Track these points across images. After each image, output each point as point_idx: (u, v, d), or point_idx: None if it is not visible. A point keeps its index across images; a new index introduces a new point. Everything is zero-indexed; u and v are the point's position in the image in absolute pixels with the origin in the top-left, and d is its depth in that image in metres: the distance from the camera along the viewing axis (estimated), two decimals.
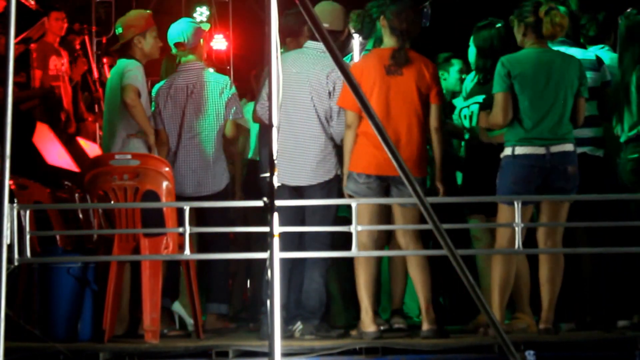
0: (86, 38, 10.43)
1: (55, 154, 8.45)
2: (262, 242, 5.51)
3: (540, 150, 5.93)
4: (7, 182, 3.52)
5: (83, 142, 9.26)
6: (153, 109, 6.86)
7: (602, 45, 6.69)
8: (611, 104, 6.33)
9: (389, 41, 6.21)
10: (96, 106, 9.97)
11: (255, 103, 6.72)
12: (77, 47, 10.00)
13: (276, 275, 3.60)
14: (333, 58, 3.76)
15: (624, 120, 6.20)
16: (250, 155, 7.61)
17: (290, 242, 6.18)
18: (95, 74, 10.33)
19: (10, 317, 5.74)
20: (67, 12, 9.87)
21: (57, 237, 6.55)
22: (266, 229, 3.63)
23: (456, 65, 7.61)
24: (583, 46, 6.61)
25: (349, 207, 5.81)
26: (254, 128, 7.33)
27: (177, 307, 6.81)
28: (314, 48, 6.41)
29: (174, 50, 6.94)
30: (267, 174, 3.68)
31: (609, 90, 6.39)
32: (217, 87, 6.81)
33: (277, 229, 3.64)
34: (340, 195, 6.25)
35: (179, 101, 6.81)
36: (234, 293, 7.65)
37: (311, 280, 6.29)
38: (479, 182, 6.31)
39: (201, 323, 6.33)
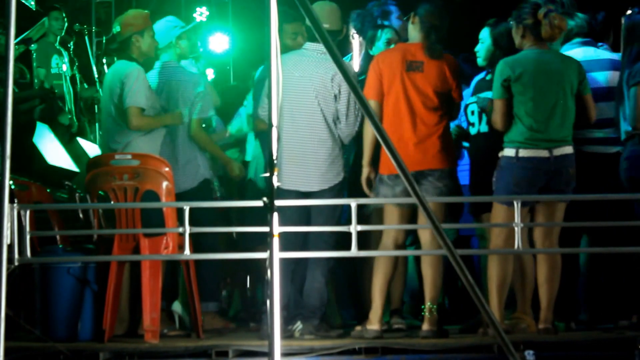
0: (86, 38, 10.45)
1: (55, 154, 8.46)
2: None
3: (544, 153, 5.94)
4: (7, 182, 3.52)
5: (83, 142, 9.27)
6: None
7: (600, 44, 6.69)
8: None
9: (416, 36, 6.24)
10: (96, 106, 9.98)
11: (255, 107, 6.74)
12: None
13: (276, 275, 3.60)
14: (333, 59, 3.77)
15: (620, 119, 6.21)
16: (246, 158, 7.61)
17: (295, 243, 6.20)
18: (96, 74, 10.35)
19: (11, 317, 5.75)
20: (67, 12, 9.89)
21: (57, 236, 6.56)
22: (266, 228, 3.63)
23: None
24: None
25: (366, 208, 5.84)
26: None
27: (177, 307, 6.81)
28: (314, 49, 6.42)
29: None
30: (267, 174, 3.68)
31: None
32: (184, 84, 6.81)
33: (277, 229, 3.64)
34: (348, 196, 6.27)
35: (157, 100, 6.82)
36: (233, 293, 7.66)
37: (313, 280, 6.30)
38: (485, 180, 6.30)
39: (201, 323, 6.33)
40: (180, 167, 6.73)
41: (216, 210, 6.71)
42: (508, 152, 6.00)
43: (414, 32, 6.28)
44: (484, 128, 6.47)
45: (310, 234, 6.32)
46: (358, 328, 6.24)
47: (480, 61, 6.64)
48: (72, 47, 10.28)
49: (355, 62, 7.01)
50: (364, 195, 6.26)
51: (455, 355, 5.71)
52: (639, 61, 6.13)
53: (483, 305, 3.87)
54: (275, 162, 3.67)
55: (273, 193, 3.64)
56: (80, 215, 6.89)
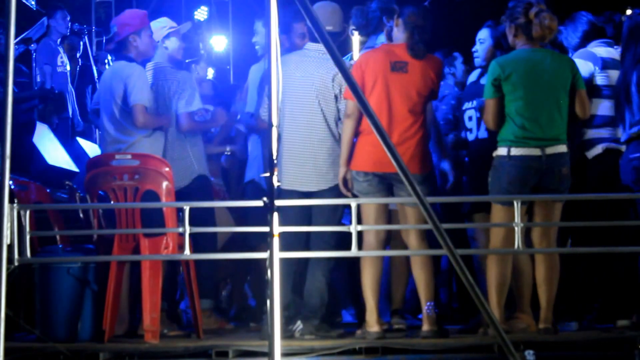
0: (86, 38, 10.45)
1: (55, 154, 8.45)
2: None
3: (536, 152, 5.94)
4: (7, 182, 3.52)
5: (83, 142, 9.27)
6: None
7: (604, 40, 6.67)
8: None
9: (401, 37, 6.24)
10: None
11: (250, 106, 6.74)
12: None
13: (276, 275, 3.60)
14: (334, 59, 3.77)
15: (625, 120, 6.20)
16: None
17: (297, 243, 6.21)
18: (96, 74, 10.34)
19: (10, 317, 5.75)
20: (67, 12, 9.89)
21: (57, 236, 6.56)
22: (266, 228, 3.63)
23: (459, 57, 7.59)
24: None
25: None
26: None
27: (184, 306, 6.81)
28: (316, 50, 6.42)
29: None
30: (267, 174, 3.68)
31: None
32: (168, 81, 6.80)
33: (277, 229, 3.64)
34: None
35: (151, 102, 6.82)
36: (234, 293, 7.66)
37: (313, 279, 6.29)
38: (484, 185, 6.29)
39: (201, 323, 6.33)
40: (180, 162, 6.72)
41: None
42: (500, 151, 6.01)
43: (398, 33, 6.27)
44: (482, 134, 6.48)
45: (312, 235, 6.31)
46: (359, 332, 6.23)
47: (479, 61, 6.65)
48: (81, 47, 10.29)
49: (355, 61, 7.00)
50: None
51: (456, 355, 5.72)
52: None
53: (483, 305, 3.87)
54: (275, 162, 3.67)
55: (273, 193, 3.64)
56: (81, 215, 6.89)
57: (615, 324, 6.26)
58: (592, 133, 6.43)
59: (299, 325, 6.26)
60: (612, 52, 6.49)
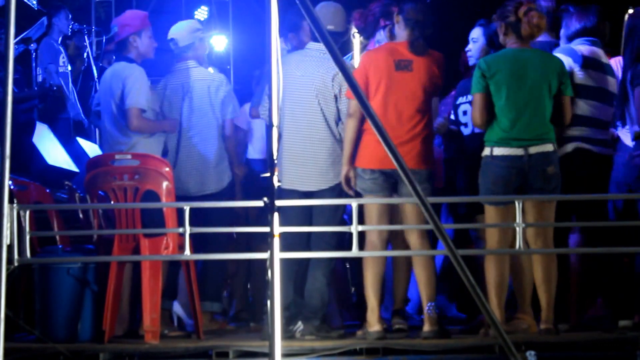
0: (85, 38, 10.43)
1: (55, 154, 8.44)
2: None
3: (519, 152, 5.93)
4: (7, 182, 3.52)
5: (83, 142, 9.25)
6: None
7: (588, 39, 6.63)
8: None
9: (402, 34, 6.23)
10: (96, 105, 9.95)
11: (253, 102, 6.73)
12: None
13: (276, 276, 3.59)
14: (334, 59, 3.76)
15: (625, 118, 6.19)
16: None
17: (299, 243, 6.20)
18: (95, 74, 10.33)
19: (10, 317, 5.74)
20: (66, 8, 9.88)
21: (57, 237, 6.55)
22: (266, 229, 3.62)
23: None
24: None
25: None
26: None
27: (176, 307, 6.80)
28: (317, 49, 6.41)
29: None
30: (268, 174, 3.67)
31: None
32: (213, 85, 6.81)
33: (277, 229, 3.63)
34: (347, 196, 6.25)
35: (175, 102, 6.82)
36: (234, 293, 7.64)
37: (314, 280, 6.29)
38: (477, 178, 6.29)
39: (202, 323, 6.32)
40: (211, 169, 6.73)
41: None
42: (486, 151, 6.02)
43: (399, 31, 6.28)
44: (478, 129, 6.47)
45: (312, 235, 6.31)
46: (359, 332, 6.22)
47: (473, 60, 6.65)
48: (87, 47, 10.28)
49: (355, 61, 7.00)
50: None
51: (457, 356, 5.71)
52: None
53: (484, 306, 3.86)
54: (275, 162, 3.67)
55: (273, 193, 3.63)
56: (80, 216, 6.88)
57: (617, 324, 6.25)
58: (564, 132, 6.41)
59: (299, 325, 6.26)
60: (596, 52, 6.46)
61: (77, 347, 5.84)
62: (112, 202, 6.17)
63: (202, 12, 12.73)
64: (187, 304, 6.54)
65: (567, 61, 6.29)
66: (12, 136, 3.50)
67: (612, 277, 6.39)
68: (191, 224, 5.74)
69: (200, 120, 6.78)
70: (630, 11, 6.39)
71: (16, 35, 6.38)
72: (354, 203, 5.76)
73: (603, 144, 6.32)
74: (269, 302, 3.59)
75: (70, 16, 9.75)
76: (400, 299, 6.53)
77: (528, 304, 6.20)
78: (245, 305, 7.53)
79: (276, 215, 3.63)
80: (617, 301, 6.34)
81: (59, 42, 9.70)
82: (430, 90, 6.19)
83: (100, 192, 6.25)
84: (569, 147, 6.29)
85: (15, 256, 5.64)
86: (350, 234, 5.75)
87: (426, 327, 6.06)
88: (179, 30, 6.95)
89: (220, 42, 12.55)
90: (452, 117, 6.82)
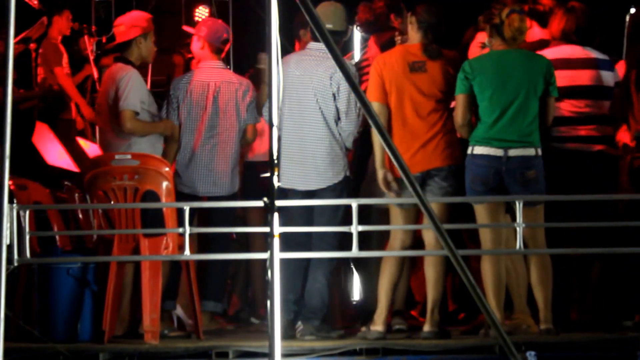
0: (86, 38, 10.42)
1: (55, 154, 8.44)
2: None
3: (498, 152, 5.94)
4: (7, 182, 3.51)
5: (83, 142, 9.25)
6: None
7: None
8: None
9: (415, 36, 6.24)
10: (96, 106, 9.93)
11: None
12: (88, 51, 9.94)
13: (276, 276, 3.58)
14: (334, 58, 3.76)
15: (627, 119, 6.18)
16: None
17: (301, 244, 6.21)
18: (95, 74, 10.31)
19: (10, 317, 5.74)
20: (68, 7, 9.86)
21: (57, 237, 6.54)
22: (266, 229, 3.62)
23: None
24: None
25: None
26: None
27: (178, 310, 6.80)
28: (317, 49, 6.41)
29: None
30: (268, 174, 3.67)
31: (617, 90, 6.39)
32: (240, 88, 6.80)
33: (277, 229, 3.63)
34: (350, 196, 6.25)
35: (200, 98, 6.77)
36: (234, 293, 7.64)
37: (314, 280, 6.29)
38: None
39: (201, 324, 6.32)
40: (228, 171, 6.72)
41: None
42: (468, 150, 6.04)
43: (412, 32, 6.28)
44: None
45: (313, 235, 6.30)
46: (363, 329, 6.23)
47: None
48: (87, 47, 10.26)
49: (356, 56, 7.01)
50: (365, 195, 6.25)
51: (457, 357, 5.71)
52: None
53: (484, 306, 3.86)
54: (275, 162, 3.66)
55: (274, 193, 3.63)
56: (80, 216, 6.87)
57: (618, 324, 6.24)
58: None
59: (299, 325, 6.25)
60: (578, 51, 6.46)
61: (77, 347, 5.84)
62: (112, 202, 6.16)
63: (202, 12, 12.70)
64: (187, 304, 6.54)
65: None
66: (12, 136, 3.49)
67: (613, 277, 6.40)
68: (197, 225, 5.75)
69: (225, 121, 6.74)
70: (632, 10, 6.38)
71: (15, 35, 6.38)
72: (354, 203, 5.76)
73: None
74: (268, 302, 3.58)
75: (70, 17, 9.73)
76: (400, 300, 6.54)
77: (525, 302, 6.20)
78: (245, 305, 7.53)
79: (276, 215, 3.62)
80: (617, 301, 6.35)
81: (59, 42, 9.69)
82: (446, 89, 6.18)
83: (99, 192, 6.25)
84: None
85: (15, 256, 5.64)
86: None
87: (426, 328, 6.06)
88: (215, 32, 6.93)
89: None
90: None
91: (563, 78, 6.23)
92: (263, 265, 5.38)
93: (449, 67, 6.19)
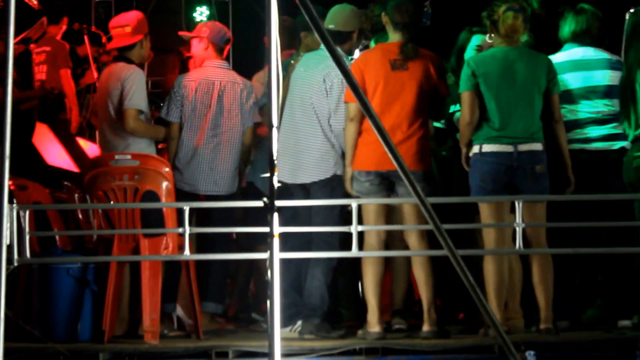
0: (85, 38, 10.42)
1: (55, 154, 8.44)
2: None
3: (508, 149, 5.96)
4: (7, 182, 3.51)
5: (83, 142, 9.25)
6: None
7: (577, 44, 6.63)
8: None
9: (393, 36, 6.24)
10: (94, 105, 9.93)
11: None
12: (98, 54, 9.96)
13: (276, 276, 3.59)
14: (332, 57, 3.75)
15: (630, 119, 6.18)
16: None
17: (302, 243, 6.23)
18: (95, 75, 10.32)
19: (10, 317, 5.74)
20: (66, 12, 9.86)
21: (57, 237, 6.54)
22: (266, 229, 3.62)
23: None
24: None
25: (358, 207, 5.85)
26: None
27: (178, 310, 6.80)
28: (320, 49, 6.44)
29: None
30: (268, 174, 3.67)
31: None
32: (245, 90, 6.81)
33: (277, 229, 3.63)
34: (344, 195, 6.25)
35: (205, 96, 6.78)
36: (234, 293, 7.64)
37: (313, 279, 6.29)
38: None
39: (201, 323, 6.32)
40: (229, 171, 6.74)
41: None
42: (474, 149, 6.03)
43: (390, 33, 6.28)
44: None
45: (312, 233, 6.32)
46: (360, 332, 6.23)
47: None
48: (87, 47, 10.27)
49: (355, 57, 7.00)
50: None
51: (456, 356, 5.71)
52: None
53: (484, 306, 3.86)
54: (275, 162, 3.66)
55: (273, 193, 3.63)
56: (80, 216, 6.87)
57: (616, 324, 6.25)
58: None
59: (298, 325, 6.26)
60: (590, 53, 6.47)
61: (77, 347, 5.84)
62: (112, 202, 6.16)
63: (202, 12, 12.71)
64: (187, 304, 6.54)
65: None
66: (12, 136, 3.50)
67: (613, 277, 6.40)
68: (196, 225, 5.75)
69: (229, 121, 6.76)
70: (632, 10, 6.37)
71: (15, 36, 6.39)
72: (353, 203, 5.76)
73: None
74: (268, 302, 3.58)
75: (70, 18, 9.74)
76: (400, 299, 6.53)
77: (518, 303, 6.22)
78: (245, 305, 7.53)
79: (276, 215, 3.63)
80: (617, 301, 6.35)
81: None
82: (427, 89, 6.17)
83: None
84: None
85: (15, 256, 5.64)
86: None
87: (425, 327, 6.06)
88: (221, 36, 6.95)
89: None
90: None
91: (577, 79, 6.26)
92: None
93: (430, 67, 6.17)
